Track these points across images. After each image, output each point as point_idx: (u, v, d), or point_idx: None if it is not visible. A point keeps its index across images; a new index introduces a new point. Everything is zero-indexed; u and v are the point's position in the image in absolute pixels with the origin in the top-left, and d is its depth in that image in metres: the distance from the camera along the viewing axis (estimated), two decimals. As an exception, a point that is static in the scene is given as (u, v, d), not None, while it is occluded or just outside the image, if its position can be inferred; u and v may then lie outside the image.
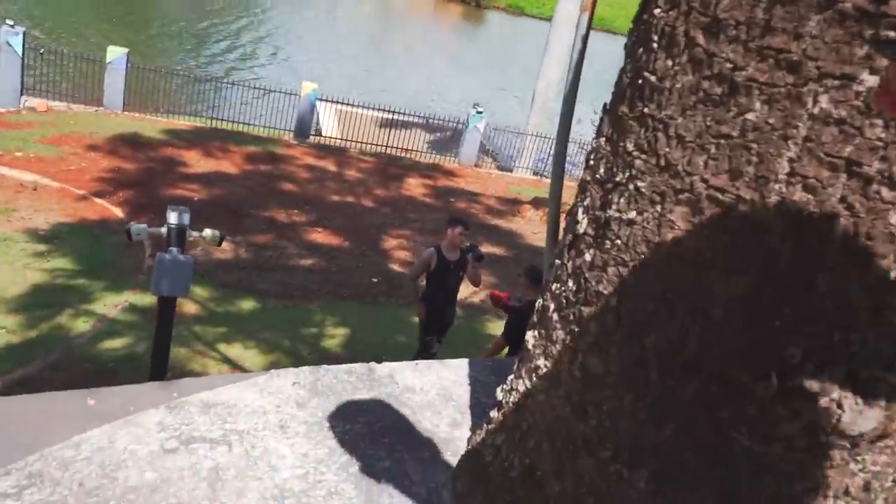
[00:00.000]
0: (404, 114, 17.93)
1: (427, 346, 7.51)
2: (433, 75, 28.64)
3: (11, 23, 15.08)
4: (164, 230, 3.39)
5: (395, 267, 11.23)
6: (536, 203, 16.04)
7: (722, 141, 1.00)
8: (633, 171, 1.12)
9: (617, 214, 1.14)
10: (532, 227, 14.81)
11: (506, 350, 6.70)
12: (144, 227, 3.46)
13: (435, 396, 1.75)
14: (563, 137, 1.52)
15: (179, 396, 1.59)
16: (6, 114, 14.79)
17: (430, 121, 18.71)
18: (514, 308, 6.79)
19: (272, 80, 19.06)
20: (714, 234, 1.02)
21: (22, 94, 15.38)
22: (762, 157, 0.96)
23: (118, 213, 11.26)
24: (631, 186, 1.12)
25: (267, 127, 16.95)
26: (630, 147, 1.13)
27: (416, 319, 7.54)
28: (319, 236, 11.93)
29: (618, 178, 1.15)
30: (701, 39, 1.02)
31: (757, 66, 0.96)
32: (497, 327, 7.90)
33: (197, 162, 14.24)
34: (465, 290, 9.80)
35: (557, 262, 1.31)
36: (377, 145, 17.73)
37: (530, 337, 1.37)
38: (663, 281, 1.07)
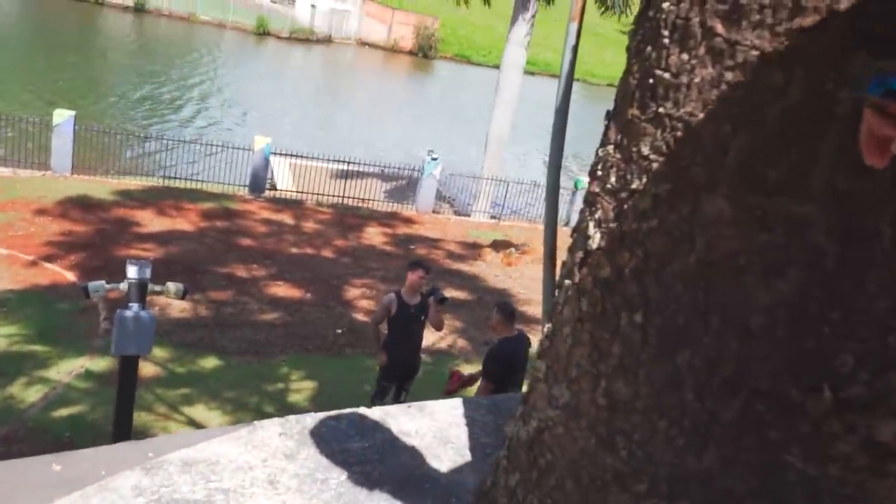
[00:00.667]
0: (359, 163, 17.91)
1: (384, 392, 7.38)
2: (386, 125, 28.79)
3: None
4: (123, 286, 3.22)
5: (359, 316, 11.05)
6: (496, 246, 16.05)
7: (746, 134, 0.93)
8: (652, 177, 1.04)
9: (635, 226, 1.06)
10: (493, 270, 14.78)
11: (468, 389, 6.59)
12: (102, 283, 3.29)
13: (432, 440, 1.63)
14: (557, 156, 1.45)
15: (155, 456, 1.44)
16: (-51, 182, 14.39)
17: (386, 169, 18.70)
18: (471, 378, 6.79)
19: (224, 136, 18.94)
20: (749, 234, 0.94)
21: (-35, 162, 15.01)
22: (801, 146, 0.89)
23: (70, 276, 10.93)
24: (651, 192, 1.04)
25: (221, 183, 16.74)
26: (646, 151, 1.05)
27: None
28: (281, 290, 11.72)
29: (634, 186, 1.07)
30: (720, 28, 0.95)
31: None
32: (467, 369, 7.77)
33: (150, 221, 13.96)
34: (433, 336, 9.66)
35: (567, 282, 1.22)
36: (334, 196, 17.63)
37: (540, 366, 1.27)
38: (694, 291, 0.99)
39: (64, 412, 7.36)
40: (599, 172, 1.17)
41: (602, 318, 1.11)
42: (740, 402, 0.96)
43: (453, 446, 1.63)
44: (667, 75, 1.02)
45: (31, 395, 7.63)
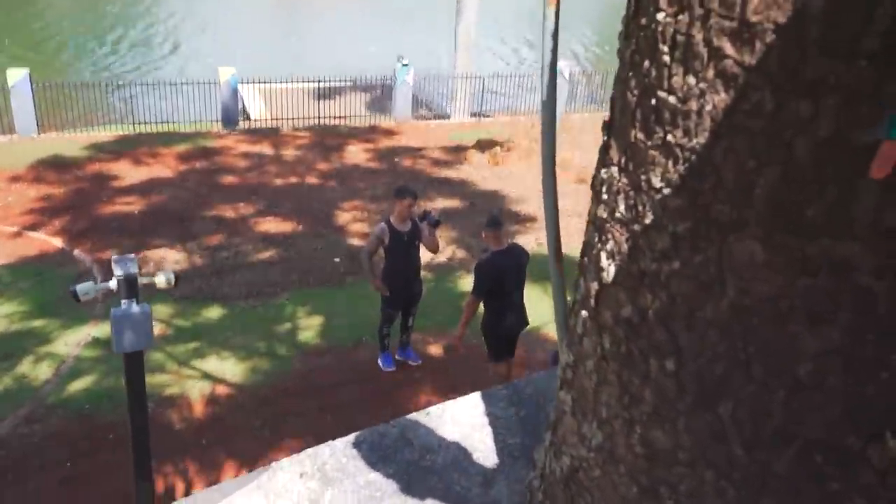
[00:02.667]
0: (330, 81, 17.41)
1: (389, 319, 7.43)
2: (353, 37, 27.87)
3: None
4: (113, 283, 3.13)
5: (355, 241, 10.98)
6: (481, 146, 15.81)
7: (775, 168, 0.82)
8: (668, 213, 0.93)
9: (656, 266, 0.96)
10: (481, 172, 14.60)
11: (481, 307, 6.55)
12: (91, 284, 3.19)
13: (457, 452, 1.58)
14: (550, 151, 1.32)
15: (177, 522, 1.39)
16: (-84, 161, 13.99)
17: (358, 82, 18.20)
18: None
19: (188, 73, 18.33)
20: (788, 279, 0.84)
21: (-72, 137, 14.56)
22: (839, 181, 0.78)
23: (57, 243, 10.77)
24: (668, 230, 0.93)
25: (193, 122, 16.32)
26: (657, 182, 0.94)
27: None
28: (271, 225, 11.59)
29: (647, 221, 0.96)
30: (730, 49, 0.82)
31: (813, 76, 0.78)
32: (469, 282, 7.77)
33: (128, 173, 13.67)
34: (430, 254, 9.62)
35: (583, 312, 1.13)
36: (310, 119, 17.22)
37: (565, 398, 1.19)
38: (730, 339, 0.90)
39: (79, 385, 7.38)
40: (605, 196, 1.06)
41: (629, 361, 1.03)
42: (794, 453, 0.89)
43: (480, 455, 1.58)
44: (672, 99, 0.90)
45: (43, 371, 7.64)
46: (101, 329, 8.36)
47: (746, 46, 0.81)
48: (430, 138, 16.83)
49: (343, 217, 12.04)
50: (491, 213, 8.00)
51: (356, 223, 11.78)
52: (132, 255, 3.21)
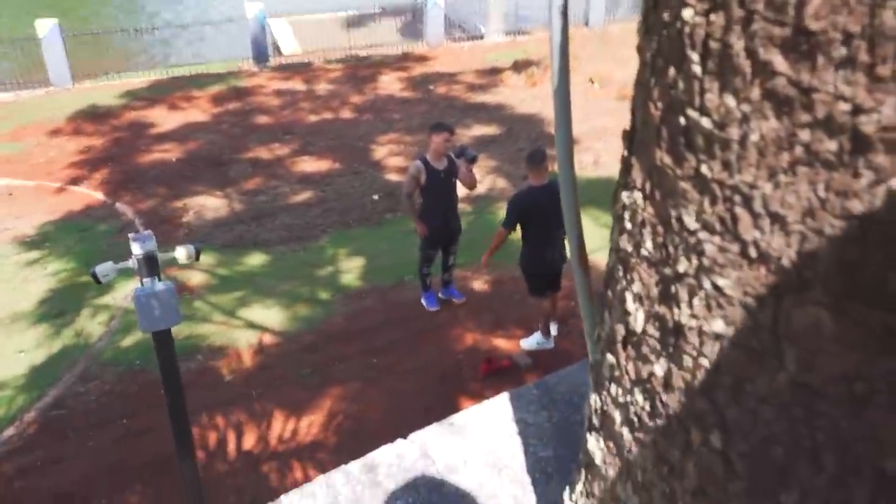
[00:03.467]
0: (360, 8, 16.96)
1: (429, 259, 7.30)
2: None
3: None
4: (132, 262, 3.03)
5: (393, 177, 10.81)
6: (517, 67, 15.32)
7: (847, 223, 0.63)
8: (705, 261, 0.74)
9: (694, 323, 0.77)
10: (518, 94, 14.18)
11: (512, 234, 6.34)
12: (110, 264, 3.10)
13: (483, 468, 1.44)
14: (567, 148, 1.13)
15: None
16: (-45, 120, 14.13)
17: (388, 7, 17.71)
18: (509, 362, 6.50)
19: (220, 10, 18.02)
20: (865, 357, 0.65)
21: (-34, 96, 14.65)
22: None
23: (99, 196, 10.84)
24: (707, 283, 0.75)
25: (225, 61, 16.11)
26: (690, 223, 0.75)
27: (423, 231, 7.24)
28: (308, 164, 11.47)
29: (681, 268, 0.77)
30: (782, 65, 0.62)
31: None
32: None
33: (164, 119, 13.62)
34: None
35: (610, 359, 0.95)
36: (342, 50, 16.85)
37: (595, 448, 1.03)
38: (790, 420, 0.72)
39: (129, 340, 7.47)
40: (628, 224, 0.87)
41: (666, 428, 0.85)
42: None
43: (509, 472, 1.44)
44: (706, 122, 0.70)
45: (96, 327, 7.75)
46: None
47: (806, 61, 0.60)
48: (465, 62, 16.37)
49: (379, 152, 11.84)
50: (533, 147, 7.72)
51: (393, 157, 11.58)
52: (149, 232, 3.11)
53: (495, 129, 12.50)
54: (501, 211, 9.81)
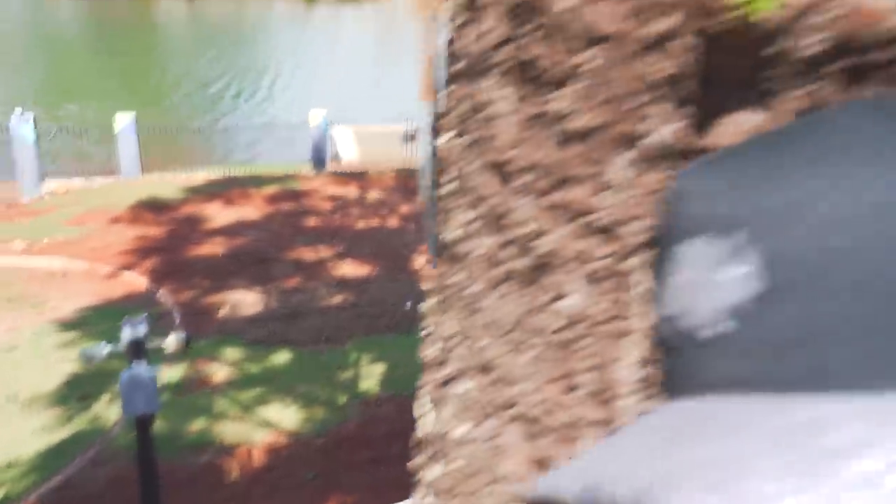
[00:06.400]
0: (416, 121, 17.60)
1: None
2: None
3: (20, 110, 15.15)
4: (122, 346, 3.12)
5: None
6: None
7: (538, 339, 0.64)
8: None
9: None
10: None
11: None
12: (99, 347, 3.19)
13: None
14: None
15: None
16: (30, 203, 14.93)
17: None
18: None
19: (286, 115, 18.95)
20: None
21: (41, 180, 15.50)
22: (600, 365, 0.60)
23: (144, 284, 11.19)
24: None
25: (286, 164, 16.79)
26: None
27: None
28: (348, 268, 11.69)
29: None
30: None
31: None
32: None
33: (218, 214, 14.14)
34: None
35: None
36: (398, 161, 17.43)
37: None
38: None
39: (145, 428, 7.54)
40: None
41: None
42: None
43: None
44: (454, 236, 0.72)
45: (114, 413, 7.85)
46: (171, 373, 8.56)
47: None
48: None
49: (418, 261, 12.01)
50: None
51: (429, 266, 11.72)
52: (142, 317, 3.23)
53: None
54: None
